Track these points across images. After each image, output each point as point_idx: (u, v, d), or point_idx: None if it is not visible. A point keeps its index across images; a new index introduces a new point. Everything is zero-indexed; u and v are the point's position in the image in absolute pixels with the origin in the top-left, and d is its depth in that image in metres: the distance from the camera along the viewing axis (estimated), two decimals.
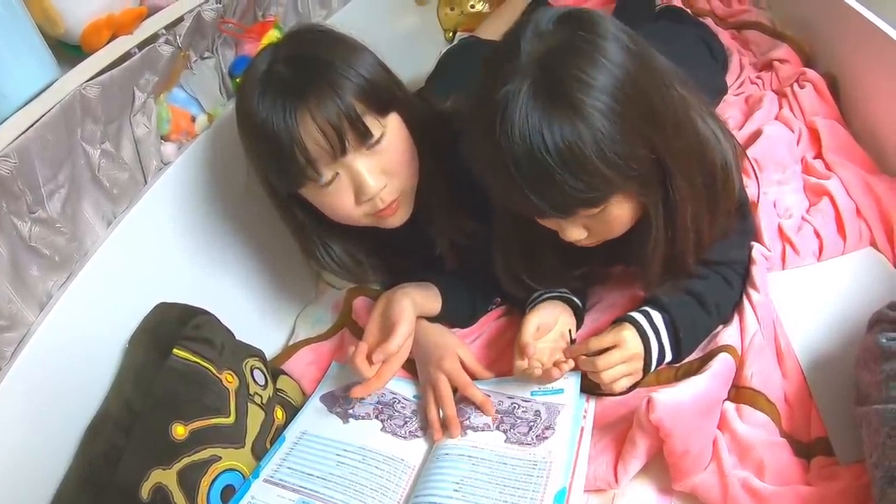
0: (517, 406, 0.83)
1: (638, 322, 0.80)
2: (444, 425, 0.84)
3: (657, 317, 0.81)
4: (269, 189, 0.88)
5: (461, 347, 0.91)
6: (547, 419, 0.80)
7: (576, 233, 0.73)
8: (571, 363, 0.80)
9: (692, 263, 0.80)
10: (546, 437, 0.78)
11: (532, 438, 0.78)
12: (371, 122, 0.79)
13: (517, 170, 0.64)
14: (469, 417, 0.84)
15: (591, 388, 0.83)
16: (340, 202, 0.82)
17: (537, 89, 0.63)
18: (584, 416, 0.80)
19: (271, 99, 0.77)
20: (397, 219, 0.87)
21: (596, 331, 0.90)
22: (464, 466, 0.77)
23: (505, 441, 0.79)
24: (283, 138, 0.77)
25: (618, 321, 0.82)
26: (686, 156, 0.71)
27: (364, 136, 0.79)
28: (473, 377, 0.88)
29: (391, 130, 0.82)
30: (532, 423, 0.80)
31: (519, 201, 0.68)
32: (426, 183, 0.88)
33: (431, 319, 0.93)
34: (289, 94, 0.76)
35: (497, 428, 0.81)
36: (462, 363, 0.89)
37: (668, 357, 0.82)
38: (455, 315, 0.97)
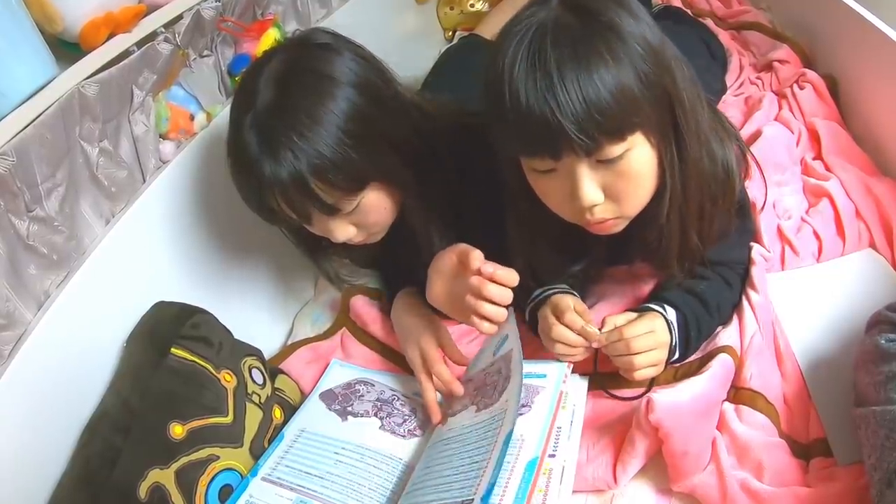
0: (488, 375, 0.80)
1: (664, 315, 0.79)
2: (426, 414, 0.84)
3: (671, 313, 0.81)
4: None
5: (439, 325, 0.88)
6: (505, 372, 0.75)
7: (593, 191, 0.68)
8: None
9: (695, 241, 0.78)
10: (505, 388, 0.73)
11: (496, 396, 0.75)
12: (337, 198, 0.77)
13: (545, 77, 0.62)
14: (450, 406, 0.83)
15: (601, 383, 0.82)
16: (313, 230, 0.84)
17: (571, 4, 0.65)
18: (565, 386, 0.78)
19: (245, 159, 0.75)
20: (372, 241, 0.88)
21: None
22: (438, 451, 0.77)
23: (476, 412, 0.77)
24: (251, 197, 0.79)
25: (638, 311, 0.81)
26: (696, 117, 0.71)
27: (329, 209, 0.77)
28: (455, 360, 0.87)
29: (366, 201, 0.80)
30: (496, 384, 0.76)
31: (538, 129, 0.64)
32: (422, 208, 0.87)
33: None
34: (259, 155, 0.74)
35: (472, 403, 0.79)
36: (441, 343, 0.87)
37: (675, 355, 0.81)
38: None
